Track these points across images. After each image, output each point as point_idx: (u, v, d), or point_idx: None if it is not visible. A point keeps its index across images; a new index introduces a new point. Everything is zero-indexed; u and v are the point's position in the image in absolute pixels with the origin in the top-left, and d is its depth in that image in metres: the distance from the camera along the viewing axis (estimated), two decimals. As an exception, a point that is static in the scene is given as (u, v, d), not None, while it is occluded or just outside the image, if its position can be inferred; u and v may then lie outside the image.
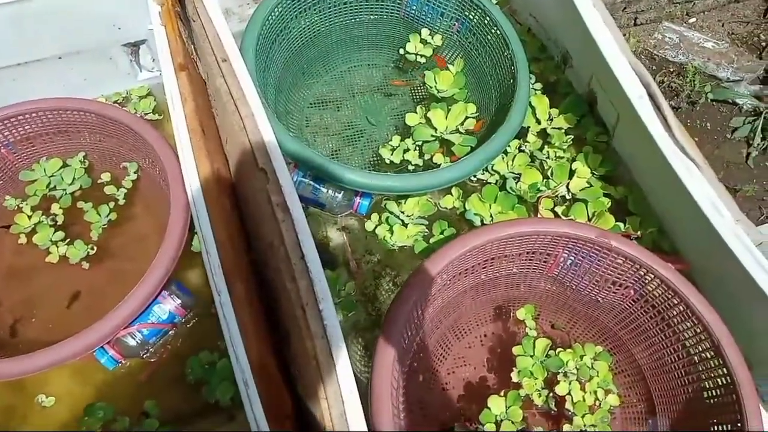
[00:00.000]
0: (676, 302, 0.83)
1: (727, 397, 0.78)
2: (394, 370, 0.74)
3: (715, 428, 0.80)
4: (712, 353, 0.80)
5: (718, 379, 0.79)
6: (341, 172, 0.89)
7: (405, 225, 0.97)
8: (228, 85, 0.87)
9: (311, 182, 0.97)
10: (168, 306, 0.92)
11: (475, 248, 0.84)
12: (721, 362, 0.78)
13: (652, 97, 0.88)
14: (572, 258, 0.89)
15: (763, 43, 1.74)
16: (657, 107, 0.88)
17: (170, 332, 0.94)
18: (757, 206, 1.49)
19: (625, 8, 1.73)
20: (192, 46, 1.00)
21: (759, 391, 0.86)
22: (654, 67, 1.70)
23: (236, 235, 0.83)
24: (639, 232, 0.96)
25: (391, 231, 0.96)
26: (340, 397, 0.65)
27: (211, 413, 0.89)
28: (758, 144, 1.54)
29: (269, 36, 1.05)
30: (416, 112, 1.07)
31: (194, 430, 0.88)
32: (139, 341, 0.89)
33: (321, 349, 0.67)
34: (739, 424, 0.76)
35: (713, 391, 0.81)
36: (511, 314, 0.98)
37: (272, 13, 1.04)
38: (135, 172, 1.10)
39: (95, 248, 1.01)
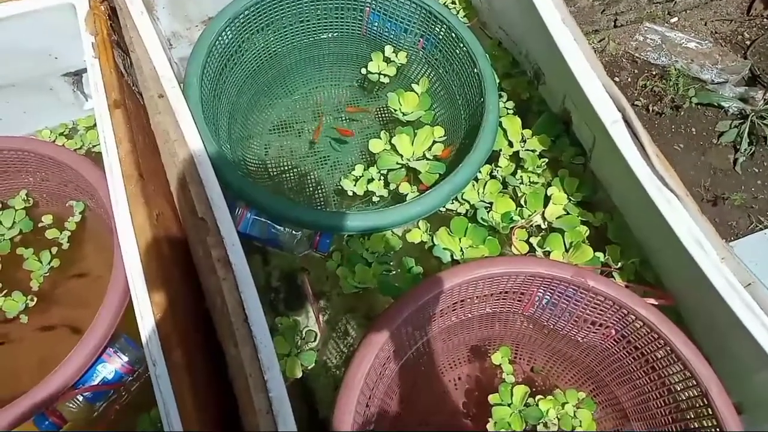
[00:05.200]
0: (660, 345, 0.77)
1: (717, 449, 0.72)
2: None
3: (706, 480, 0.74)
4: (701, 402, 0.74)
5: (708, 430, 0.73)
6: (294, 212, 0.82)
7: (369, 264, 0.90)
8: (165, 124, 0.80)
9: (267, 220, 0.90)
10: (114, 365, 0.85)
11: (441, 293, 0.77)
12: (710, 412, 0.72)
13: (627, 122, 0.82)
14: (548, 297, 0.83)
15: (748, 42, 1.68)
16: (634, 133, 0.81)
17: (120, 391, 0.87)
18: (747, 214, 1.43)
19: (604, 10, 1.66)
20: (132, 79, 0.93)
21: (752, 437, 0.80)
22: (636, 71, 1.63)
23: (179, 292, 0.76)
24: (620, 263, 0.89)
25: (353, 271, 0.89)
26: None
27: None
28: (745, 149, 1.48)
29: (220, 60, 0.98)
30: (380, 138, 1.00)
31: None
32: (82, 405, 0.82)
33: (264, 426, 0.60)
34: (730, 478, 0.70)
35: (703, 440, 0.75)
36: (488, 354, 0.91)
37: (221, 36, 0.96)
38: (81, 213, 1.02)
39: (35, 299, 0.93)
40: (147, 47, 0.84)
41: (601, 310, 0.80)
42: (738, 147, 1.50)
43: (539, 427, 0.80)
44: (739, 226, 1.43)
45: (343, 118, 1.14)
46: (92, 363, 0.82)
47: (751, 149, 1.49)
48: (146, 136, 0.90)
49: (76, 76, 1.06)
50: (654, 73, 1.62)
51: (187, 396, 0.65)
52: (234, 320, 0.66)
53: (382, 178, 0.99)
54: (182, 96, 0.82)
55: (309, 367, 0.84)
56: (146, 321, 0.68)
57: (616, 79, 1.63)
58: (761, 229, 1.41)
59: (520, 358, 0.92)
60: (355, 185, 0.97)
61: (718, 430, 0.71)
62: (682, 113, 1.56)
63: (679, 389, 0.77)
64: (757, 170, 1.48)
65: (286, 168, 1.08)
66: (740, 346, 0.73)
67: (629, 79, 1.63)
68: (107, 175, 0.77)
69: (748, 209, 1.43)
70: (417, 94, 1.05)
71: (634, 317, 0.78)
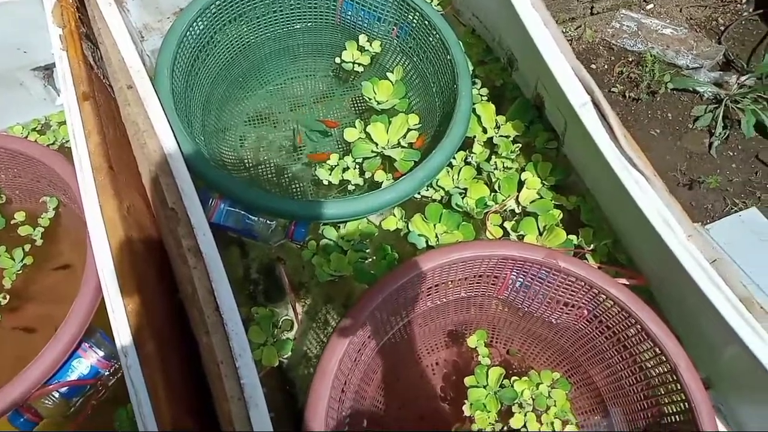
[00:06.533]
0: (631, 323, 0.78)
1: (686, 423, 0.73)
2: (327, 427, 0.67)
3: (678, 454, 0.76)
4: (670, 377, 0.75)
5: (677, 404, 0.75)
6: (267, 201, 0.82)
7: (344, 252, 0.91)
8: (135, 115, 0.79)
9: (241, 211, 0.89)
10: (90, 360, 0.84)
11: (415, 278, 0.78)
12: (679, 387, 0.74)
13: (596, 104, 0.82)
14: (521, 280, 0.84)
15: (722, 27, 1.70)
16: (602, 116, 0.82)
17: (97, 386, 0.87)
18: (722, 197, 1.45)
19: (580, -3, 1.67)
20: (102, 71, 0.92)
21: (722, 411, 0.82)
22: (612, 58, 1.65)
23: (152, 283, 0.76)
24: (592, 245, 0.90)
25: (329, 260, 0.89)
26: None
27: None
28: (720, 133, 1.50)
29: (192, 51, 0.97)
30: (355, 127, 1.00)
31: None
32: (57, 401, 0.82)
33: (237, 413, 0.61)
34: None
35: (674, 416, 0.76)
36: (465, 339, 0.92)
37: (192, 27, 0.95)
38: (55, 209, 1.01)
39: (8, 297, 0.93)
40: (114, 38, 0.83)
41: (573, 291, 0.81)
42: (713, 131, 1.52)
43: (514, 408, 0.81)
44: (714, 209, 1.45)
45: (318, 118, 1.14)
46: (67, 359, 0.82)
47: (725, 133, 1.51)
48: (117, 128, 0.89)
49: (47, 71, 1.05)
50: (630, 59, 1.63)
51: (160, 386, 0.65)
52: (205, 308, 0.66)
53: (357, 166, 0.99)
54: (151, 87, 0.81)
55: (287, 356, 0.84)
56: (117, 313, 0.67)
57: (593, 66, 1.64)
58: (736, 212, 1.43)
59: (496, 342, 0.93)
60: (330, 174, 0.97)
61: (686, 404, 0.73)
62: (658, 99, 1.58)
63: (650, 366, 0.78)
64: (731, 153, 1.50)
65: (262, 159, 1.08)
66: (708, 322, 0.74)
67: (606, 66, 1.64)
68: (76, 167, 0.76)
69: (723, 192, 1.45)
70: (391, 82, 1.05)
71: (605, 297, 0.79)
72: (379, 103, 1.04)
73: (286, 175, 1.06)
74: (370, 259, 0.92)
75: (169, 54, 0.91)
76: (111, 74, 0.87)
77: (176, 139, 0.79)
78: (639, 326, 0.77)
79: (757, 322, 0.69)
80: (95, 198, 0.74)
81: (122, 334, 0.67)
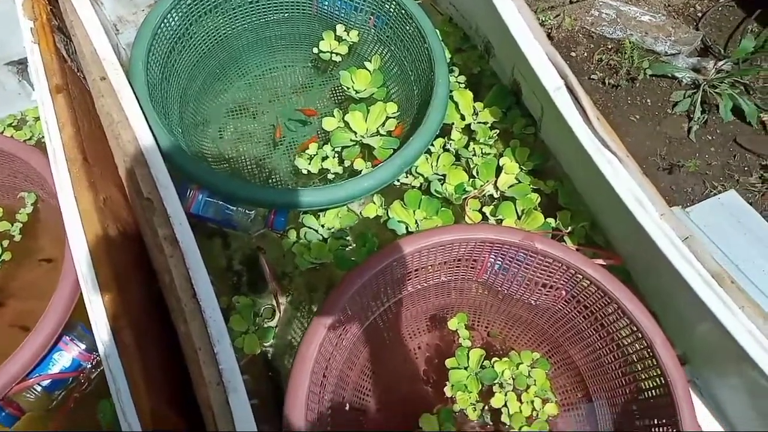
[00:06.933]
0: (607, 302, 0.79)
1: (663, 398, 0.75)
2: (308, 412, 0.68)
3: (656, 429, 0.77)
4: (647, 353, 0.76)
5: (654, 380, 0.76)
6: (245, 191, 0.82)
7: (324, 240, 0.91)
8: (109, 107, 0.79)
9: (220, 202, 0.89)
10: (71, 353, 0.84)
11: (395, 262, 0.78)
12: (655, 363, 0.75)
13: (570, 88, 0.83)
14: (500, 262, 0.85)
15: (699, 14, 1.72)
16: (576, 99, 0.83)
17: (79, 379, 0.87)
18: (702, 181, 1.47)
19: (558, -14, 1.68)
20: (76, 64, 0.91)
21: (697, 384, 0.84)
22: (592, 45, 1.66)
23: (130, 274, 0.76)
24: (570, 228, 0.91)
25: (309, 247, 0.89)
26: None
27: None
28: (698, 117, 1.52)
29: (167, 43, 0.97)
30: (334, 116, 1.00)
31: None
32: (39, 395, 0.82)
33: (215, 398, 0.61)
34: (675, 423, 0.73)
35: (650, 391, 0.78)
36: (446, 323, 0.93)
37: (167, 19, 0.95)
38: (33, 204, 1.01)
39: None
40: (86, 29, 0.83)
41: (550, 272, 0.82)
42: (691, 116, 1.54)
43: (495, 388, 0.82)
44: (694, 192, 1.47)
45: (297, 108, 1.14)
46: (47, 352, 0.82)
47: (704, 117, 1.52)
48: (92, 121, 0.89)
49: (21, 66, 1.04)
50: (609, 46, 1.65)
51: (139, 375, 0.65)
52: (182, 296, 0.66)
53: (336, 155, 0.99)
54: (125, 78, 0.81)
55: (271, 345, 0.85)
56: (94, 303, 0.67)
57: (573, 54, 1.65)
58: (715, 195, 1.45)
59: (477, 325, 0.94)
60: (309, 163, 0.98)
61: (662, 379, 0.74)
62: (637, 85, 1.59)
63: (627, 343, 0.80)
64: (710, 137, 1.52)
65: (242, 151, 1.08)
66: (682, 298, 0.75)
67: (585, 54, 1.65)
68: (50, 159, 0.76)
69: (702, 176, 1.47)
70: (369, 71, 1.05)
71: (581, 277, 0.80)
72: (357, 92, 1.04)
73: (266, 167, 1.06)
74: (350, 247, 0.92)
75: (143, 46, 0.90)
76: (84, 67, 0.86)
77: (151, 129, 0.79)
78: (616, 305, 0.78)
79: (727, 295, 0.70)
80: (70, 190, 0.74)
81: (100, 324, 0.67)
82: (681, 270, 0.72)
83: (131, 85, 0.84)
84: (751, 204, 1.39)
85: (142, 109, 0.81)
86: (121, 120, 0.77)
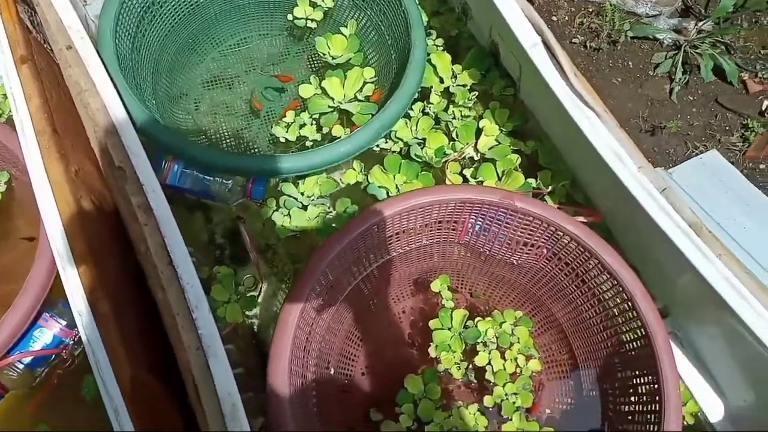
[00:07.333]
0: (588, 257, 0.80)
1: (643, 349, 0.76)
2: (291, 376, 0.68)
3: (637, 380, 0.78)
4: (627, 306, 0.77)
5: (635, 331, 0.77)
6: (218, 158, 0.81)
7: (304, 207, 0.90)
8: (76, 76, 0.77)
9: (197, 172, 0.88)
10: (52, 329, 0.84)
11: (376, 225, 0.78)
12: (635, 314, 0.76)
13: (547, 45, 0.82)
14: (480, 223, 0.85)
15: (680, -27, 1.70)
16: (553, 55, 0.82)
17: (61, 355, 0.86)
18: (684, 141, 1.48)
19: (538, -51, 1.65)
20: (42, 36, 0.88)
21: (678, 336, 0.85)
22: (573, 9, 1.64)
23: (105, 245, 0.74)
24: (550, 187, 0.91)
25: (289, 216, 0.89)
26: (220, 417, 0.58)
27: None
28: (680, 78, 1.52)
29: (136, 12, 0.94)
30: (310, 83, 0.99)
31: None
32: (22, 372, 0.81)
33: (195, 363, 0.61)
34: (656, 374, 0.74)
35: (632, 343, 0.79)
36: (430, 286, 0.93)
37: (134, -12, 0.92)
38: (6, 182, 0.99)
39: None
40: (49, -3, 0.80)
41: (531, 231, 0.82)
42: (673, 77, 1.53)
43: (478, 347, 0.83)
44: (676, 153, 1.47)
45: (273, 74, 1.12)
46: (27, 329, 0.81)
47: (685, 78, 1.52)
48: (63, 94, 0.87)
49: (-15, 41, 1.01)
50: (590, 10, 1.63)
51: (118, 344, 0.65)
52: (158, 263, 0.65)
53: (314, 122, 0.98)
54: (92, 45, 0.79)
55: (257, 315, 0.84)
56: (69, 273, 0.66)
57: (554, 18, 1.63)
58: (697, 155, 1.45)
59: (461, 288, 0.94)
60: (287, 131, 0.96)
61: (643, 330, 0.75)
62: (618, 48, 1.58)
63: (608, 297, 0.80)
64: (691, 98, 1.52)
65: (219, 123, 1.06)
66: (660, 250, 0.76)
67: (566, 18, 1.64)
68: (18, 131, 0.74)
69: (684, 136, 1.48)
70: (345, 36, 1.03)
71: (562, 234, 0.80)
72: (333, 58, 1.03)
73: (244, 138, 1.05)
74: (331, 214, 0.92)
75: (110, 15, 0.88)
76: (50, 37, 0.84)
77: (121, 97, 0.77)
78: (596, 260, 0.79)
79: (705, 244, 0.70)
80: (40, 161, 0.73)
81: (75, 295, 0.66)
82: (659, 221, 0.72)
83: (100, 56, 0.82)
84: (732, 163, 1.40)
85: (111, 78, 0.79)
86: (89, 88, 0.75)
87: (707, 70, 1.51)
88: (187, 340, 0.62)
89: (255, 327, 0.92)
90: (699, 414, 0.83)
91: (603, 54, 1.58)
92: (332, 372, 0.84)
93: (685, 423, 0.81)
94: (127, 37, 0.92)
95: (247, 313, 0.87)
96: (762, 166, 1.44)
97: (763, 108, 1.47)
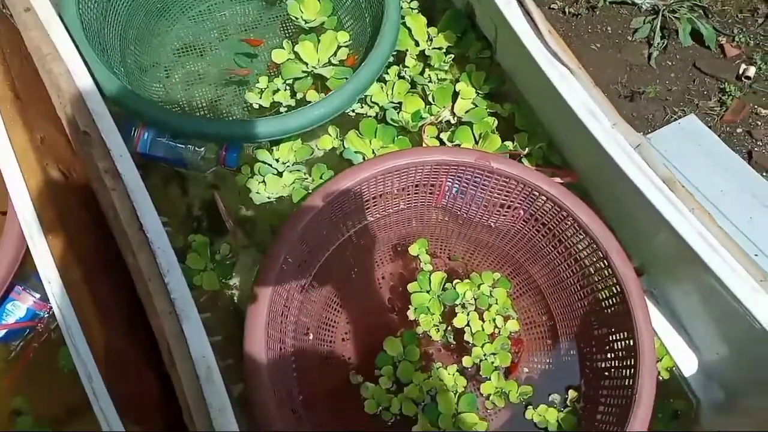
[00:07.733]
0: (563, 217, 0.80)
1: (619, 305, 0.77)
2: (268, 341, 0.68)
3: (613, 336, 0.79)
4: (603, 263, 0.78)
5: (610, 288, 0.78)
6: (188, 123, 0.79)
7: (280, 174, 0.89)
8: (37, 39, 0.74)
9: (168, 140, 0.86)
10: (26, 303, 0.82)
11: (352, 189, 0.77)
12: (611, 272, 0.77)
13: (521, 3, 0.81)
14: (457, 185, 0.84)
15: (659, -63, 1.68)
16: (527, 13, 0.81)
17: (36, 329, 0.85)
18: (662, 107, 1.48)
19: None
20: (1, 1, 0.85)
21: (654, 294, 0.86)
22: (552, -26, 1.62)
23: (75, 213, 0.73)
24: (527, 149, 0.91)
25: (264, 182, 0.87)
26: (195, 380, 0.58)
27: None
28: (658, 43, 1.51)
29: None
30: (283, 48, 0.97)
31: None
32: (-6, 345, 0.80)
33: (169, 328, 0.60)
34: (631, 330, 0.75)
35: (608, 300, 0.79)
36: (409, 251, 0.93)
37: (97, -51, 0.89)
38: (-28, 156, 0.95)
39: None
40: (4, -43, 0.77)
41: (507, 192, 0.82)
42: (651, 42, 1.53)
43: (457, 309, 0.83)
44: (655, 119, 1.48)
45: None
46: (-1, 302, 0.79)
47: (663, 43, 1.52)
48: (26, 62, 0.83)
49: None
50: (570, -25, 1.61)
51: (90, 311, 0.64)
52: (128, 229, 0.64)
53: (288, 88, 0.96)
54: (51, 7, 0.76)
55: (235, 285, 0.84)
56: (36, 239, 0.65)
57: (533, -17, 1.61)
58: (676, 120, 1.46)
59: (440, 252, 0.94)
60: (260, 97, 0.94)
61: (618, 287, 0.76)
62: (597, 13, 1.57)
63: (584, 256, 0.81)
64: (670, 63, 1.52)
65: (192, 92, 1.03)
66: (635, 206, 0.76)
67: (546, -17, 1.62)
68: (-23, 99, 0.72)
69: (663, 101, 1.48)
70: None
71: (538, 194, 0.80)
72: (306, 22, 1.00)
73: (218, 107, 1.02)
74: (307, 180, 0.91)
75: (72, -24, 0.84)
76: (8, 1, 0.80)
77: (85, 61, 0.74)
78: (572, 219, 0.79)
79: (678, 199, 0.71)
80: (2, 128, 0.70)
81: (44, 262, 0.65)
82: (632, 177, 0.73)
83: (62, 19, 0.79)
84: (710, 127, 1.41)
85: (74, 41, 0.76)
86: (51, 52, 0.72)
87: (685, 34, 1.51)
88: (159, 304, 0.61)
89: (235, 298, 0.92)
90: (674, 369, 0.85)
91: (582, 20, 1.57)
92: (312, 338, 0.84)
93: (660, 378, 0.83)
94: (91, 3, 0.88)
95: (227, 282, 0.86)
96: (739, 130, 1.45)
97: (741, 72, 1.47)
